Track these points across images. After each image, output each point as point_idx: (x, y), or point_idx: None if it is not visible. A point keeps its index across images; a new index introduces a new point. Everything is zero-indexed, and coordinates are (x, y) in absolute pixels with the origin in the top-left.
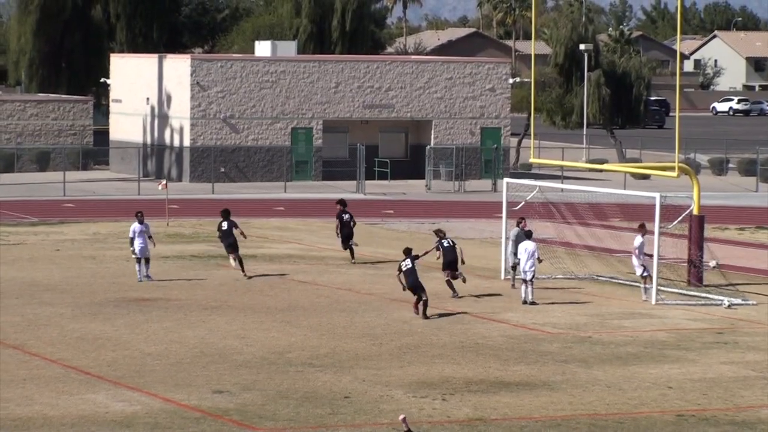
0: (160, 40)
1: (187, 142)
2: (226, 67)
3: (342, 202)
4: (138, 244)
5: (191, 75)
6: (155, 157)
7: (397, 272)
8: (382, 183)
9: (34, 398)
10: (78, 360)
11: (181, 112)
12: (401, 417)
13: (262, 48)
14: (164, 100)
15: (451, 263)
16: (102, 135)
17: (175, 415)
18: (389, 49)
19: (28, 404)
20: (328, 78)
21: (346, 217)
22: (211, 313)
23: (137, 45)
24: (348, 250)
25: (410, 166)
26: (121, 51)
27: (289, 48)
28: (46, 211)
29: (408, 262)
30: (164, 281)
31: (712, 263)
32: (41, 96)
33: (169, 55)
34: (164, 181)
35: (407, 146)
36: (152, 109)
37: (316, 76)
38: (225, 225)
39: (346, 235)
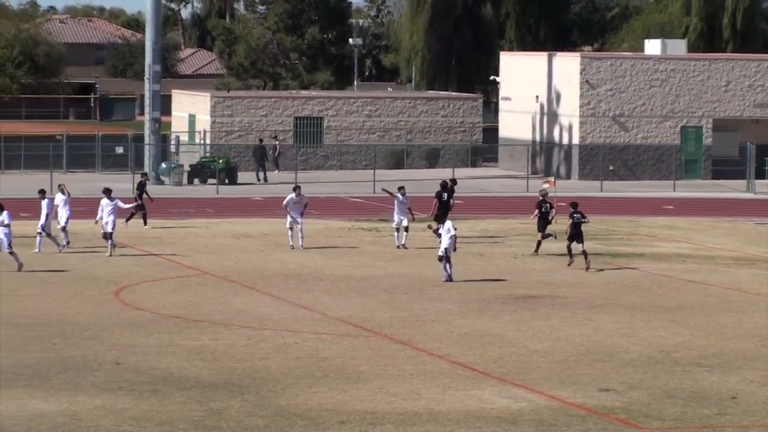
0: (550, 38)
1: (576, 140)
2: (615, 66)
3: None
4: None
5: (581, 73)
6: (544, 154)
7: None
8: None
9: (420, 393)
10: (464, 356)
11: (570, 110)
12: None
13: (652, 46)
14: (553, 97)
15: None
16: (491, 132)
17: (560, 412)
18: None
19: (414, 399)
20: (718, 76)
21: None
22: (598, 311)
23: (526, 43)
24: None
25: None
26: (510, 49)
27: (678, 46)
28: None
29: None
30: (551, 279)
31: None
32: (431, 93)
33: (559, 53)
34: (551, 179)
35: None
36: (541, 106)
37: (707, 74)
38: None
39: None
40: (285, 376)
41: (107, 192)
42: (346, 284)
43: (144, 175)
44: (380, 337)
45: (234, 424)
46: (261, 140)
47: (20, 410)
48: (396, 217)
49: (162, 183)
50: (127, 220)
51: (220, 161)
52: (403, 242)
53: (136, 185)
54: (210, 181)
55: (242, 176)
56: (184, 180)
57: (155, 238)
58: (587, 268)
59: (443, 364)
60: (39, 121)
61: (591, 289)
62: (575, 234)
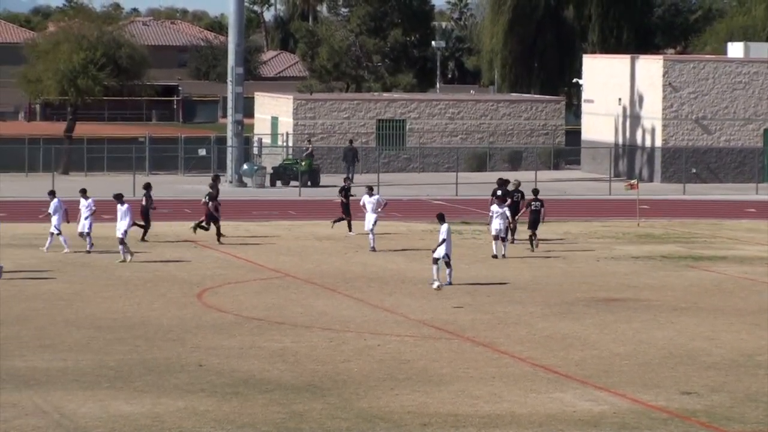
0: (632, 40)
1: (658, 143)
2: (698, 68)
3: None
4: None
5: (663, 76)
6: (626, 157)
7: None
8: None
9: (502, 396)
10: (546, 359)
11: (652, 113)
12: None
13: (735, 49)
14: (636, 100)
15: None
16: (573, 135)
17: (642, 415)
18: None
19: (496, 402)
20: None
21: None
22: (681, 314)
23: (609, 45)
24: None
25: None
26: (593, 51)
27: (762, 49)
28: None
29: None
30: (633, 281)
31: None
32: (514, 96)
33: (642, 56)
34: (633, 181)
35: None
36: (624, 109)
37: None
38: None
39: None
40: (367, 378)
41: (119, 197)
42: (427, 287)
43: (346, 179)
44: (462, 340)
45: (316, 426)
46: (351, 141)
47: (103, 412)
48: (495, 225)
49: (244, 185)
50: (336, 222)
51: (303, 163)
52: (503, 252)
53: (339, 189)
54: (292, 183)
55: (324, 178)
56: (267, 182)
57: (238, 239)
58: (534, 248)
59: (525, 366)
60: (122, 123)
61: (673, 292)
62: (533, 221)
